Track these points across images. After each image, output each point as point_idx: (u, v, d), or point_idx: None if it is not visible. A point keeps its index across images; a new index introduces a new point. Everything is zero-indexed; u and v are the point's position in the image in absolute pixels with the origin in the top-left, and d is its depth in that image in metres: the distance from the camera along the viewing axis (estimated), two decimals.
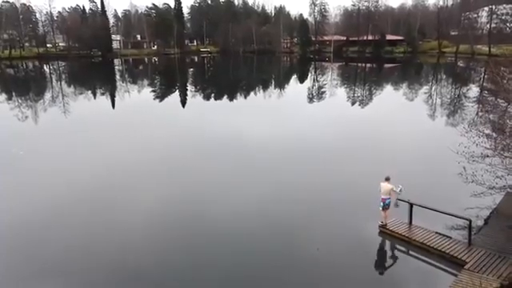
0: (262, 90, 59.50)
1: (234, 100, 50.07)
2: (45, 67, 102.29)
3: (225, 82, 72.03)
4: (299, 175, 19.74)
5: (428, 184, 17.97)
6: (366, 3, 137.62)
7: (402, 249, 13.28)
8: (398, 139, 26.98)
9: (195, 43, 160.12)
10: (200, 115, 37.93)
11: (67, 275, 11.76)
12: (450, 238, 13.15)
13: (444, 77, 76.87)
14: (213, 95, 55.61)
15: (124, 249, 13.20)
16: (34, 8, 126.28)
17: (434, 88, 58.18)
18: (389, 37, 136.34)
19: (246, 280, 11.66)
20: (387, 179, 14.10)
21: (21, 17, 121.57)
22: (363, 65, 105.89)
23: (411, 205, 13.89)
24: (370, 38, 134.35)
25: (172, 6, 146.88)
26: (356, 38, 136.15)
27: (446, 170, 17.82)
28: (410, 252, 13.04)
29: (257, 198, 17.13)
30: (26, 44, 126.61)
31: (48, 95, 55.36)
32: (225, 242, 13.48)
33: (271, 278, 11.53)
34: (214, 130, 30.47)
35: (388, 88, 60.16)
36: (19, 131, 32.04)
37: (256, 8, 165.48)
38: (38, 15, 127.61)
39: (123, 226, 14.89)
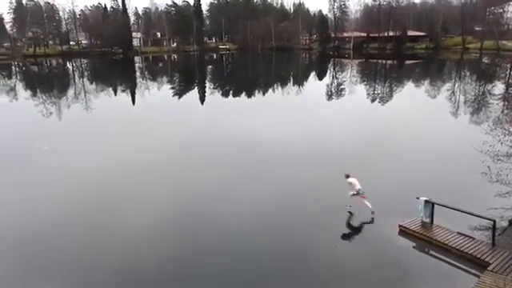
0: (280, 87, 59.32)
1: (253, 97, 50.12)
2: (68, 64, 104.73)
3: (243, 79, 72.13)
4: (317, 173, 19.60)
5: (451, 183, 17.58)
6: None
7: (423, 249, 13.02)
8: (420, 137, 26.38)
9: (214, 40, 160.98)
10: (218, 112, 38.12)
11: (77, 272, 11.97)
12: (473, 238, 12.83)
13: (468, 73, 74.81)
14: (231, 92, 55.78)
15: (140, 247, 13.36)
16: (57, 6, 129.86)
17: (457, 85, 56.70)
18: (410, 33, 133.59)
19: (260, 279, 11.57)
20: (348, 176, 15.21)
21: (45, 15, 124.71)
22: (383, 61, 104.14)
23: (433, 204, 13.61)
24: (390, 34, 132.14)
25: (191, 3, 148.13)
26: (376, 35, 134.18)
27: (469, 169, 17.32)
28: (431, 252, 12.77)
29: (273, 196, 17.09)
30: (50, 42, 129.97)
31: (71, 92, 56.74)
32: (240, 240, 13.52)
33: (288, 277, 11.50)
34: (232, 127, 30.57)
35: (409, 85, 59.02)
36: (43, 127, 32.93)
37: (275, 4, 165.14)
38: (61, 13, 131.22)
39: (140, 222, 15.07)
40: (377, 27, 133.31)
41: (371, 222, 14.51)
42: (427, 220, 13.81)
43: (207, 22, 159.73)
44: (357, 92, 51.27)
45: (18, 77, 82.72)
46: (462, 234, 13.01)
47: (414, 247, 13.12)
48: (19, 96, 52.77)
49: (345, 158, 21.87)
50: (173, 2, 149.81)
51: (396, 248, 12.97)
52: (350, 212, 15.15)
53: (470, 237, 12.90)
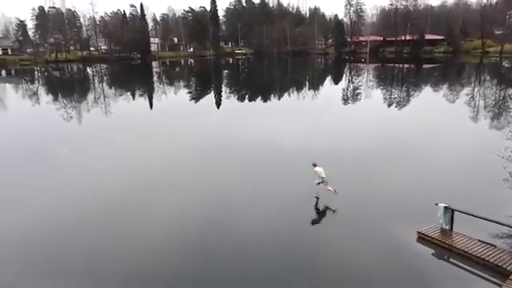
0: (295, 92, 59.31)
1: (268, 101, 50.24)
2: (88, 69, 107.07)
3: (259, 83, 72.45)
4: (336, 177, 19.54)
5: (471, 189, 17.31)
6: (404, 2, 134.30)
7: (442, 256, 12.85)
8: (439, 142, 26.03)
9: (230, 45, 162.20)
10: (234, 117, 38.33)
11: (96, 275, 12.28)
12: (495, 246, 12.59)
13: (488, 77, 73.34)
14: (247, 97, 56.07)
15: (162, 250, 13.60)
16: (78, 13, 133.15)
17: (476, 89, 55.65)
18: (428, 36, 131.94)
19: (274, 283, 11.62)
20: (315, 165, 16.71)
21: (66, 21, 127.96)
22: (400, 66, 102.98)
23: (452, 211, 13.43)
24: (408, 37, 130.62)
25: (208, 8, 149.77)
26: (393, 38, 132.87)
27: (490, 175, 17.08)
28: (451, 260, 12.60)
29: (289, 199, 17.14)
30: (71, 47, 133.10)
31: (91, 96, 58.01)
32: (254, 245, 13.58)
33: (304, 283, 11.53)
34: (247, 132, 30.68)
35: (427, 89, 58.18)
36: (64, 130, 33.76)
37: (290, 9, 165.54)
38: (81, 20, 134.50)
39: (161, 225, 15.32)
40: (393, 31, 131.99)
41: (389, 227, 14.38)
42: (447, 227, 13.63)
43: (223, 27, 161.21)
44: (373, 96, 50.88)
45: (40, 82, 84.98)
46: (483, 242, 12.79)
47: (433, 254, 12.96)
48: (41, 100, 54.20)
49: (362, 162, 21.79)
50: (190, 8, 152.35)
51: (414, 255, 12.83)
52: (316, 197, 16.82)
53: (491, 244, 12.67)
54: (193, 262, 12.62)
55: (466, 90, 53.92)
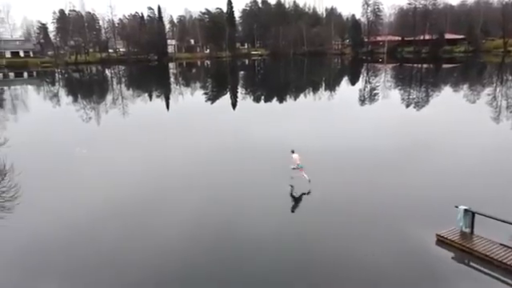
0: (312, 93, 59.00)
1: (284, 102, 50.12)
2: (106, 71, 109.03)
3: (275, 84, 72.35)
4: (354, 178, 19.34)
5: (493, 192, 16.83)
6: (423, 1, 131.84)
7: (463, 260, 12.53)
8: (459, 144, 25.45)
9: (246, 46, 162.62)
10: (249, 118, 38.37)
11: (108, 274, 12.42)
12: None
13: (510, 77, 71.41)
14: (263, 98, 56.06)
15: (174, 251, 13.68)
16: (97, 16, 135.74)
17: (498, 89, 54.25)
18: (448, 36, 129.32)
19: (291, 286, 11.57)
20: (293, 151, 18.53)
21: (86, 24, 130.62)
22: (419, 65, 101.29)
23: (473, 213, 13.08)
24: (426, 37, 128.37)
25: (224, 10, 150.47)
26: (412, 38, 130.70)
27: None
28: (471, 264, 12.27)
29: (305, 203, 17.03)
30: (91, 50, 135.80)
31: (109, 98, 59.03)
32: (271, 248, 13.52)
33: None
34: (262, 133, 30.62)
35: (447, 90, 57.02)
36: (83, 131, 34.41)
37: (307, 10, 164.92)
38: (100, 22, 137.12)
39: (175, 226, 15.43)
40: (412, 30, 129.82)
41: (408, 230, 14.10)
42: (467, 230, 13.28)
43: (239, 28, 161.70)
44: (391, 97, 50.15)
45: (61, 83, 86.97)
46: (505, 246, 12.40)
47: (452, 258, 12.65)
48: (61, 102, 55.44)
49: (380, 162, 21.52)
50: (206, 10, 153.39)
51: (433, 258, 12.54)
52: (291, 185, 18.17)
53: None
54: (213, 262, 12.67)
55: (488, 90, 52.61)
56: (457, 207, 13.43)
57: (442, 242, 13.25)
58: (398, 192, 17.63)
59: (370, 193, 17.59)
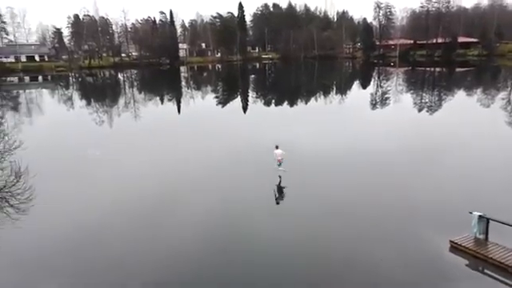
0: (322, 96, 58.81)
1: (295, 106, 50.03)
2: (119, 75, 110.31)
3: (285, 88, 72.29)
4: (366, 182, 19.20)
5: (508, 198, 16.52)
6: (436, 4, 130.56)
7: (477, 267, 12.33)
8: (473, 149, 25.08)
9: (257, 50, 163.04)
10: (260, 122, 38.38)
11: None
12: None
13: None
14: (273, 101, 56.06)
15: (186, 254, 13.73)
16: (111, 20, 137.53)
17: None
18: (461, 39, 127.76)
19: None
20: (277, 147, 19.85)
21: (99, 29, 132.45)
22: (432, 69, 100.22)
23: (488, 220, 12.87)
24: (439, 40, 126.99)
25: (235, 14, 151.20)
26: (424, 41, 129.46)
27: None
28: (486, 271, 12.06)
29: (317, 208, 16.95)
30: (104, 54, 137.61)
31: (121, 101, 59.69)
32: (282, 253, 13.48)
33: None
34: (272, 136, 30.56)
35: (460, 93, 56.30)
36: (96, 134, 34.86)
37: (318, 13, 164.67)
38: (114, 27, 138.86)
39: (184, 231, 15.50)
40: (424, 34, 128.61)
41: (421, 236, 13.91)
42: (481, 236, 13.06)
43: (250, 32, 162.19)
44: (403, 101, 49.68)
45: (75, 87, 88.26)
46: None
47: (466, 265, 12.45)
48: (75, 105, 56.26)
49: (395, 166, 21.36)
50: (217, 14, 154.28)
51: (447, 265, 12.36)
52: (280, 176, 19.53)
53: None
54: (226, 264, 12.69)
55: (502, 94, 51.76)
56: (471, 213, 13.24)
57: (455, 248, 13.06)
58: (411, 196, 17.45)
59: (381, 197, 17.48)
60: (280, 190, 18.85)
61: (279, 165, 19.49)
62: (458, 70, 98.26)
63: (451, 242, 13.22)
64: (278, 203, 17.79)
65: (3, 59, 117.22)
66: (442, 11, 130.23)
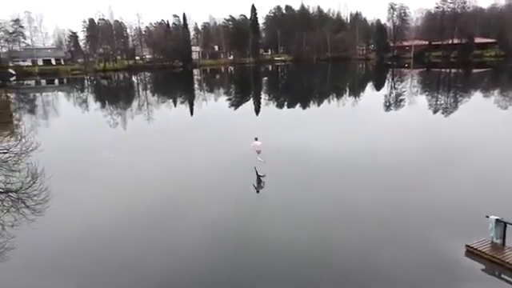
0: (335, 98, 58.45)
1: (307, 108, 49.84)
2: (133, 78, 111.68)
3: (298, 90, 72.11)
4: (382, 183, 18.99)
5: None
6: (451, 5, 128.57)
7: (493, 272, 12.04)
8: (490, 151, 24.55)
9: (269, 52, 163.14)
10: (272, 124, 38.28)
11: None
12: None
13: None
14: (286, 103, 55.97)
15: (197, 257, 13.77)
16: (125, 24, 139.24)
17: None
18: (478, 39, 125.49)
19: None
20: (256, 139, 22.04)
21: (114, 32, 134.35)
22: (447, 70, 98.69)
23: (505, 224, 12.56)
24: (455, 41, 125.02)
25: (248, 16, 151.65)
26: (439, 42, 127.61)
27: None
28: (503, 276, 11.77)
29: (329, 211, 16.82)
30: (118, 57, 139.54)
31: (135, 103, 60.41)
32: (295, 257, 13.42)
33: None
34: (284, 139, 30.50)
35: (476, 95, 55.27)
36: (110, 136, 35.31)
37: (331, 15, 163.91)
38: (128, 30, 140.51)
39: (193, 234, 15.56)
40: (440, 35, 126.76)
41: (436, 240, 13.67)
42: (498, 241, 12.76)
43: (263, 35, 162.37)
44: (418, 103, 49.04)
45: (90, 90, 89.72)
46: None
47: (482, 270, 12.18)
48: (90, 108, 57.16)
49: (411, 168, 21.15)
50: (230, 16, 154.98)
51: (463, 270, 12.11)
52: (260, 162, 21.27)
53: None
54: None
55: None
56: (488, 217, 12.96)
57: (471, 253, 12.79)
58: (426, 198, 17.17)
59: (396, 198, 17.29)
60: (259, 179, 20.26)
61: (258, 152, 21.55)
62: (474, 71, 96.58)
63: (467, 246, 12.95)
64: (258, 192, 19.33)
65: (21, 63, 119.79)
66: (457, 12, 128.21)
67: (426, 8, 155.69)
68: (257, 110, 49.70)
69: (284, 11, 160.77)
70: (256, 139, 22.09)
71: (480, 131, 30.45)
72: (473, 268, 12.25)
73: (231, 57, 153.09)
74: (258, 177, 20.39)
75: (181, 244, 14.28)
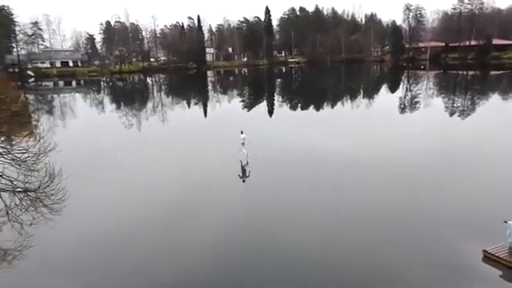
0: (349, 101, 58.01)
1: (321, 110, 49.61)
2: (148, 79, 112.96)
3: (312, 92, 71.82)
4: (398, 185, 18.79)
5: None
6: (468, 6, 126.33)
7: (511, 278, 11.77)
8: (510, 156, 24.04)
9: (283, 54, 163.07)
10: (285, 127, 38.24)
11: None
12: None
13: None
14: (299, 105, 55.81)
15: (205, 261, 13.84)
16: (140, 26, 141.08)
17: None
18: (496, 41, 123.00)
19: None
20: (242, 132, 24.04)
21: (130, 35, 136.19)
22: (465, 72, 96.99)
23: None
24: (472, 43, 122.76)
25: (262, 18, 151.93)
26: (456, 44, 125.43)
27: None
28: None
29: (339, 214, 16.72)
30: (134, 59, 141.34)
31: (150, 105, 61.08)
32: (305, 260, 13.38)
33: None
34: (298, 141, 30.43)
35: (495, 97, 54.18)
36: (125, 137, 35.78)
37: (345, 17, 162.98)
38: (143, 33, 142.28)
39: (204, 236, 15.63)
40: (457, 36, 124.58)
41: (452, 246, 13.45)
42: None
43: (277, 36, 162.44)
44: (434, 105, 48.33)
45: (106, 91, 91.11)
46: None
47: (500, 276, 11.93)
48: (106, 109, 58.03)
49: (428, 171, 20.82)
50: (244, 18, 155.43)
51: (480, 276, 11.89)
52: (243, 154, 23.45)
53: None
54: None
55: None
56: (506, 222, 12.70)
57: (489, 258, 12.55)
58: (443, 201, 16.92)
59: (413, 203, 17.09)
60: (243, 169, 22.56)
61: (243, 144, 23.55)
62: (492, 73, 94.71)
63: (484, 251, 12.71)
64: (243, 181, 21.05)
65: (39, 64, 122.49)
66: (475, 13, 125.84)
67: (443, 9, 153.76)
68: (270, 112, 49.68)
69: (298, 13, 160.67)
70: (242, 132, 24.04)
71: (498, 134, 29.84)
72: (490, 274, 12.01)
73: (245, 58, 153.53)
74: (242, 167, 22.72)
75: (193, 245, 14.36)
